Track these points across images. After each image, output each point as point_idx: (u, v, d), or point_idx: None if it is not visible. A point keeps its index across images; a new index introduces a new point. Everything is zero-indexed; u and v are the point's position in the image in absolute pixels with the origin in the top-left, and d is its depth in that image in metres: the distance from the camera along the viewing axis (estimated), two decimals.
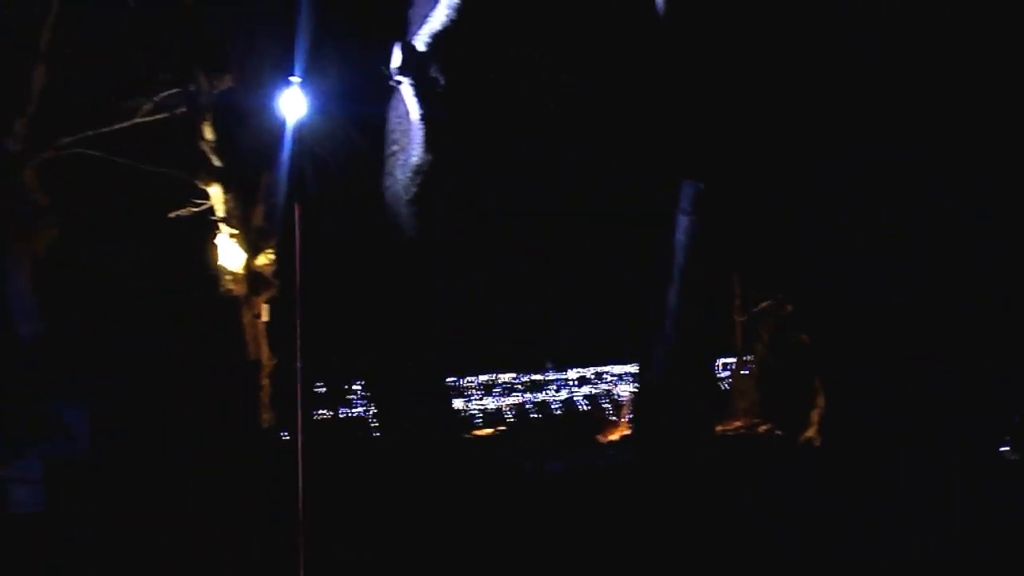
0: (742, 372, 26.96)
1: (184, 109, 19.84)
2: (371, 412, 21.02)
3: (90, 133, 19.99)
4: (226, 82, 19.70)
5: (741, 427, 24.89)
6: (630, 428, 20.86)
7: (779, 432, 22.95)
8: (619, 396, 27.00)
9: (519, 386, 25.90)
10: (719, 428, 22.88)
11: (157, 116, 19.99)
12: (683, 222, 16.42)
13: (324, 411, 21.72)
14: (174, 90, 19.89)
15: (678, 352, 16.44)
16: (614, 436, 23.27)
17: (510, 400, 25.35)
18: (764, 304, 25.82)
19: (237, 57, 19.37)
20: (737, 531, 11.05)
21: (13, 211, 19.87)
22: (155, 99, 19.96)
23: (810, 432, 22.01)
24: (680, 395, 16.35)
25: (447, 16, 14.57)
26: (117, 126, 19.96)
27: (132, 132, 20.13)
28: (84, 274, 21.08)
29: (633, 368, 25.28)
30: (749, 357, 26.99)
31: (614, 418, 25.61)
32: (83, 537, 7.14)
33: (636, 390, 20.71)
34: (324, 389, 22.15)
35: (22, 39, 19.72)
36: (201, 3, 19.12)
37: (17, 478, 7.54)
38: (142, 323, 20.05)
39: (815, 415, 21.66)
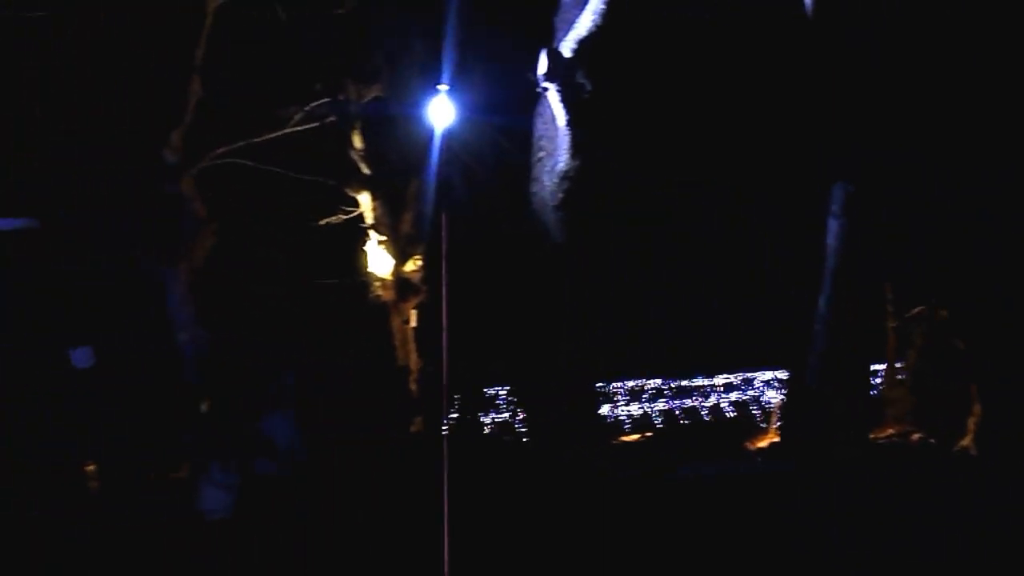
0: (895, 379, 26.45)
1: (334, 118, 20.39)
2: (518, 417, 21.32)
3: (243, 143, 20.72)
4: (375, 91, 20.20)
5: (893, 435, 24.42)
6: (779, 435, 20.69)
7: (932, 440, 22.46)
8: (768, 402, 26.79)
9: (667, 391, 25.93)
10: (871, 436, 22.53)
11: (308, 125, 20.60)
12: (834, 226, 16.26)
13: (471, 415, 22.08)
14: (324, 100, 20.48)
15: (829, 358, 16.30)
16: (763, 443, 23.10)
17: (658, 406, 25.39)
18: (917, 309, 25.28)
19: (386, 66, 19.83)
20: (890, 541, 10.95)
21: (172, 221, 20.76)
22: (306, 109, 20.58)
23: (966, 441, 21.52)
24: (832, 402, 16.22)
25: (593, 22, 14.72)
26: (269, 136, 20.64)
27: (284, 141, 20.78)
28: (239, 282, 21.81)
29: (782, 374, 25.06)
30: (901, 364, 26.45)
31: (763, 424, 25.43)
32: (272, 544, 7.45)
33: (785, 396, 20.54)
34: (471, 393, 22.52)
35: (177, 53, 20.61)
36: (351, 14, 19.61)
37: (213, 483, 7.86)
38: (294, 330, 20.68)
39: (971, 423, 21.16)
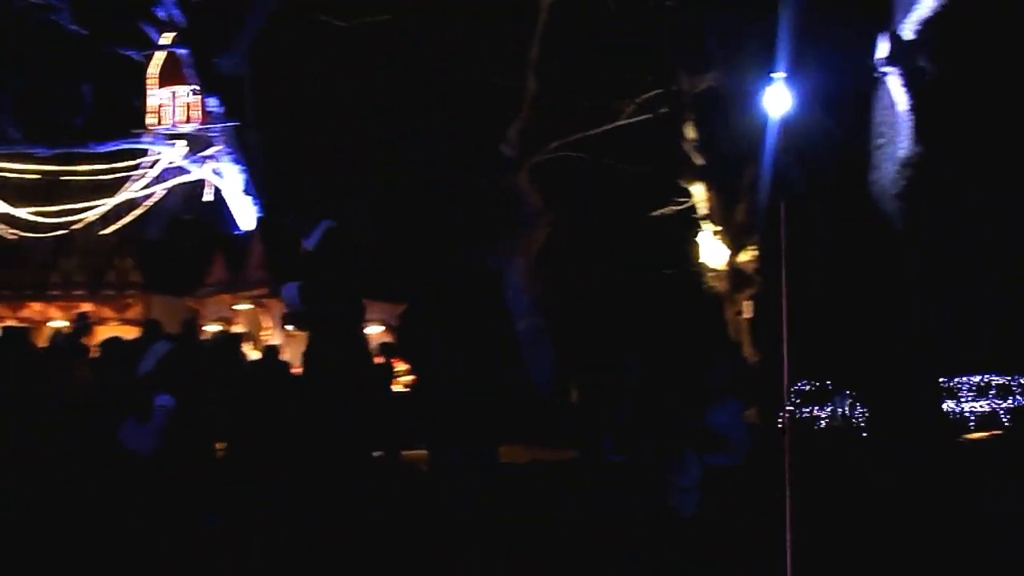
0: None
1: (666, 109, 20.86)
2: (857, 412, 21.12)
3: (577, 136, 21.55)
4: (707, 81, 20.49)
5: None
6: None
7: None
8: None
9: (1016, 388, 24.84)
10: None
11: (640, 117, 21.18)
12: None
13: (809, 410, 22.05)
14: (657, 91, 20.99)
15: None
16: None
17: (1006, 403, 24.36)
18: None
19: (719, 55, 20.06)
20: None
21: (511, 213, 21.93)
22: (638, 101, 21.17)
23: None
24: None
25: (937, 1, 14.43)
26: (602, 128, 21.37)
27: (617, 134, 21.45)
28: (573, 272, 22.66)
29: None
30: None
31: None
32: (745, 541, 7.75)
33: None
34: (808, 387, 22.45)
35: (514, 51, 21.70)
36: (683, 4, 19.98)
37: (676, 484, 8.22)
38: (628, 320, 21.29)
39: None
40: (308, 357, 7.18)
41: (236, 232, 26.22)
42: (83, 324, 16.03)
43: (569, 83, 21.39)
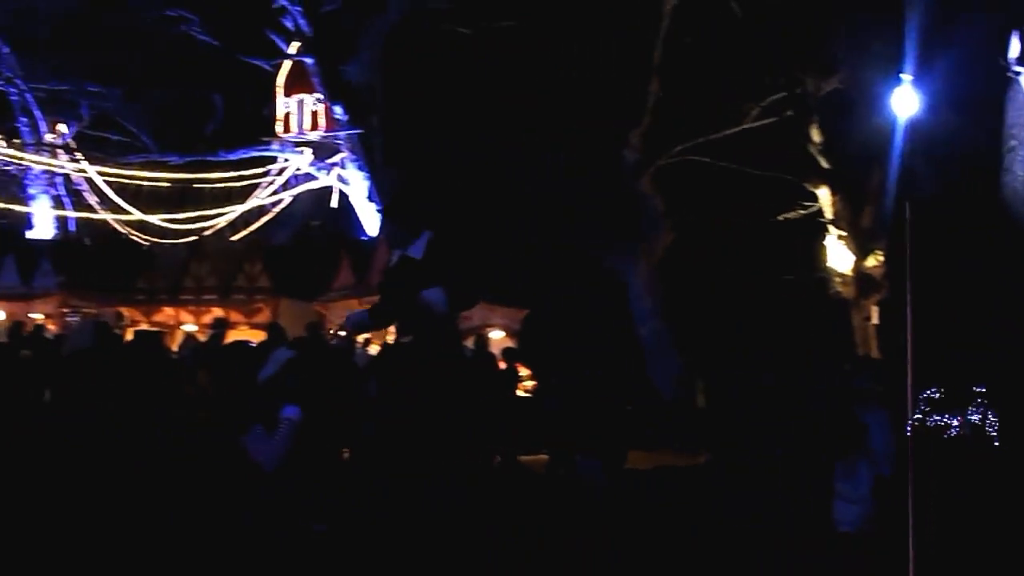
0: None
1: (791, 112, 20.71)
2: (990, 419, 20.69)
3: (700, 140, 21.52)
4: (833, 83, 20.31)
5: None
6: None
7: None
8: None
9: None
10: None
11: (764, 120, 21.05)
12: None
13: (939, 418, 21.65)
14: (781, 94, 20.86)
15: None
16: None
17: None
18: None
19: (845, 57, 19.89)
20: None
21: (633, 218, 22.02)
22: (762, 104, 21.05)
23: None
24: None
25: None
26: (725, 132, 21.30)
27: (740, 137, 21.35)
28: (697, 277, 22.60)
29: None
30: None
31: None
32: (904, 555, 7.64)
33: None
34: (938, 394, 22.04)
35: (637, 55, 21.80)
36: (808, 4, 19.85)
37: (841, 495, 8.10)
38: (754, 325, 21.18)
39: None
40: (407, 366, 7.19)
41: (362, 237, 26.81)
42: (220, 330, 16.61)
43: (692, 86, 21.36)
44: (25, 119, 30.86)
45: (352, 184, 27.91)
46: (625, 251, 22.25)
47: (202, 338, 21.16)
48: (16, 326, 19.73)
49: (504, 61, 23.93)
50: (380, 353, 15.23)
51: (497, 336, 20.50)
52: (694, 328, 22.14)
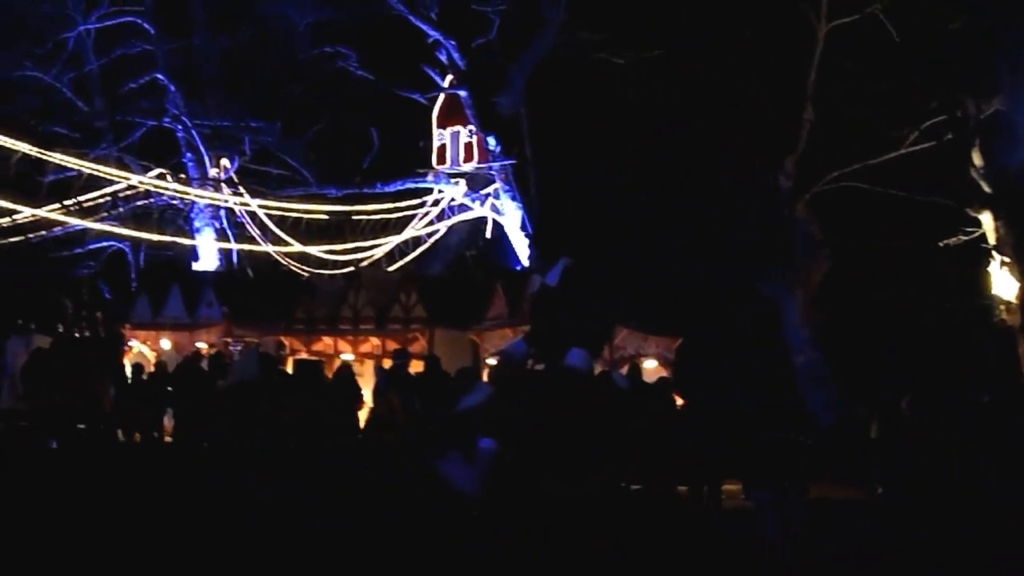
0: None
1: (951, 136, 20.53)
2: None
3: (857, 165, 21.46)
4: (995, 105, 20.08)
5: None
6: None
7: None
8: None
9: None
10: None
11: (923, 144, 20.92)
12: None
13: None
14: (940, 117, 20.71)
15: None
16: None
17: None
18: None
19: (1007, 79, 19.64)
20: None
21: (789, 245, 22.04)
22: (920, 127, 20.92)
23: None
24: None
25: None
26: (884, 157, 21.21)
27: (898, 162, 21.25)
28: (855, 305, 22.48)
29: None
30: None
31: None
32: None
33: None
34: None
35: (791, 80, 21.90)
36: (969, 27, 19.69)
37: None
38: (915, 353, 20.95)
39: None
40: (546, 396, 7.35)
41: (516, 267, 27.36)
42: (404, 360, 17.09)
43: (848, 111, 21.34)
44: (191, 155, 32.44)
45: (506, 214, 28.55)
46: (780, 279, 22.27)
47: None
48: (217, 357, 20.68)
49: (656, 89, 24.28)
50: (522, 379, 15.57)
51: (651, 365, 20.73)
52: (852, 357, 22.01)
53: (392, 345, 25.09)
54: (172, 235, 31.44)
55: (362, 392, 16.95)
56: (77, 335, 25.64)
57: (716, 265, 22.60)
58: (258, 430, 14.10)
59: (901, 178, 20.78)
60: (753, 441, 12.60)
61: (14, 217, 27.83)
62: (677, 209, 24.15)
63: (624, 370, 18.07)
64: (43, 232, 29.65)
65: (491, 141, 28.34)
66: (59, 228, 29.77)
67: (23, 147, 25.17)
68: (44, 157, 27.00)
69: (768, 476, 12.03)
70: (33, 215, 28.07)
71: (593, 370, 7.66)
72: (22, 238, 29.13)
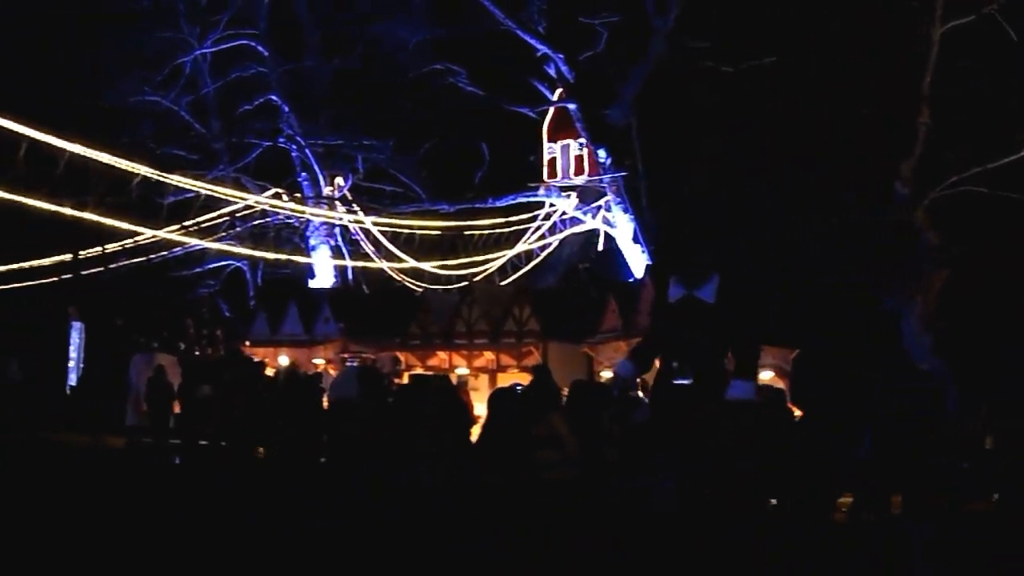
0: None
1: None
2: None
3: (977, 169, 21.16)
4: None
5: None
6: None
7: None
8: None
9: None
10: None
11: None
12: None
13: None
14: None
15: None
16: None
17: None
18: None
19: None
20: None
21: (908, 253, 21.82)
22: None
23: None
24: None
25: None
26: (1004, 160, 20.90)
27: (1020, 165, 20.90)
28: (979, 312, 22.14)
29: None
30: None
31: None
32: None
33: None
34: None
35: (906, 84, 21.70)
36: None
37: None
38: None
39: None
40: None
41: (628, 279, 27.48)
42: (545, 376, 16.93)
43: (966, 113, 21.08)
44: (305, 174, 33.30)
45: (618, 227, 28.70)
46: (900, 287, 22.07)
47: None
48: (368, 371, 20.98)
49: (767, 97, 24.21)
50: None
51: (767, 376, 20.69)
52: (976, 366, 21.67)
53: (507, 359, 25.44)
54: (288, 253, 32.25)
55: (473, 408, 17.09)
56: (198, 353, 26.40)
57: (833, 274, 22.48)
58: (357, 449, 14.21)
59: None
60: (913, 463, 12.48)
61: (136, 239, 28.74)
62: (791, 218, 24.04)
63: None
64: (164, 253, 30.61)
65: (602, 153, 28.53)
66: (179, 248, 30.72)
67: (144, 170, 26.03)
68: (164, 180, 27.82)
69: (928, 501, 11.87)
70: (154, 236, 28.95)
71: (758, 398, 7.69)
72: (144, 259, 30.05)
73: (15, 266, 30.06)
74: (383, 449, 13.45)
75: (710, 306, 7.12)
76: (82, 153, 22.59)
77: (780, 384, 19.93)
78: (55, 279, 29.24)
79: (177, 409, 19.32)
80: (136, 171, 25.58)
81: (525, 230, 30.68)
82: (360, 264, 31.44)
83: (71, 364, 27.89)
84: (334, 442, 15.73)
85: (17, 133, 20.36)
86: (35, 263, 29.77)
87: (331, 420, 15.96)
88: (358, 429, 14.32)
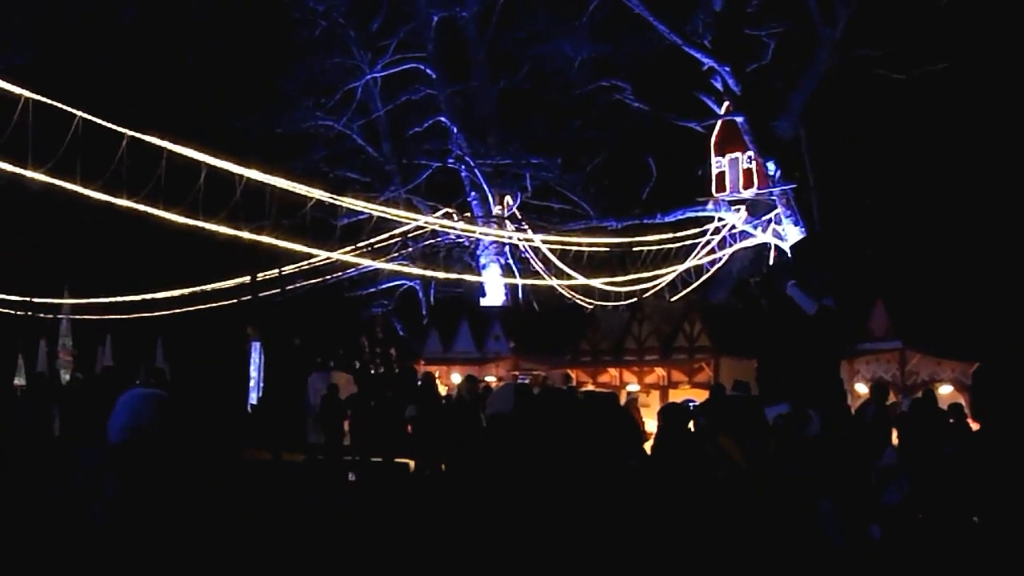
0: None
1: None
2: None
3: None
4: None
5: None
6: None
7: None
8: None
9: None
10: None
11: None
12: None
13: None
14: None
15: None
16: None
17: None
18: None
19: None
20: None
21: None
22: None
23: None
24: None
25: None
26: None
27: None
28: None
29: None
30: None
31: None
32: None
33: None
34: None
35: None
36: None
37: None
38: None
39: None
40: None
41: None
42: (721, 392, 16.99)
43: None
44: (475, 193, 33.97)
45: (789, 240, 28.48)
46: None
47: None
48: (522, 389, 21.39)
49: (939, 104, 23.85)
50: None
51: (946, 391, 20.33)
52: None
53: (678, 375, 25.46)
54: (459, 272, 32.91)
55: (644, 424, 17.20)
56: (372, 371, 27.14)
57: (1013, 284, 21.96)
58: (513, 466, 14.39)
59: None
60: None
61: (311, 260, 29.70)
62: (967, 228, 23.61)
63: (919, 395, 17.80)
64: (339, 273, 31.59)
65: (770, 166, 28.39)
66: (353, 269, 31.65)
67: (317, 194, 26.83)
68: (337, 202, 28.66)
69: None
70: (328, 258, 29.86)
71: None
72: (319, 280, 31.05)
73: (198, 288, 31.43)
74: (539, 464, 13.64)
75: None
76: (258, 179, 23.47)
77: (960, 399, 19.55)
78: (235, 301, 30.42)
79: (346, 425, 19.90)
80: (310, 195, 26.40)
81: (694, 245, 30.69)
82: (530, 282, 31.87)
83: (251, 383, 28.92)
84: (491, 458, 16.07)
85: (198, 161, 21.29)
86: (216, 285, 31.07)
87: (488, 435, 16.30)
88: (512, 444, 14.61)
